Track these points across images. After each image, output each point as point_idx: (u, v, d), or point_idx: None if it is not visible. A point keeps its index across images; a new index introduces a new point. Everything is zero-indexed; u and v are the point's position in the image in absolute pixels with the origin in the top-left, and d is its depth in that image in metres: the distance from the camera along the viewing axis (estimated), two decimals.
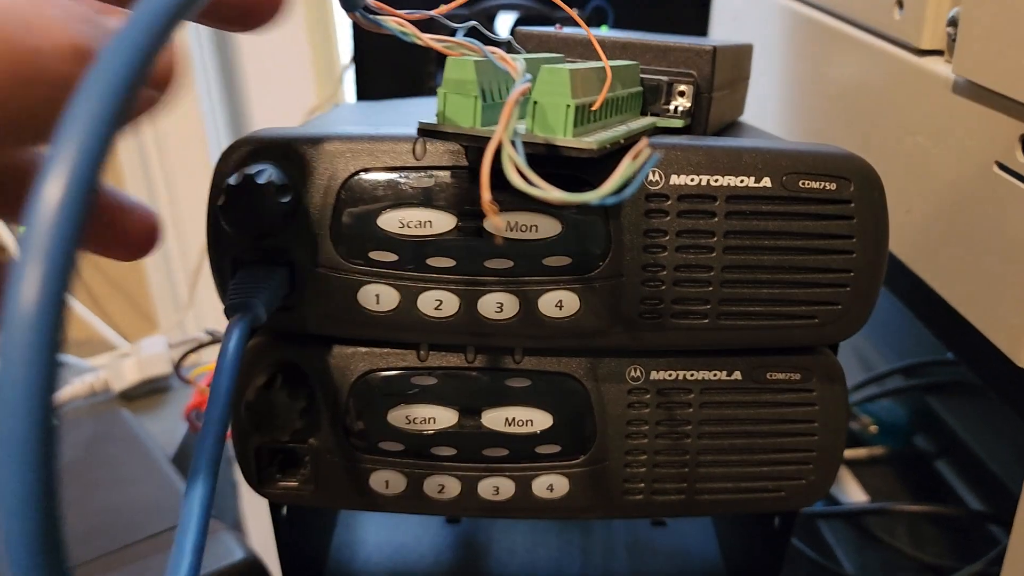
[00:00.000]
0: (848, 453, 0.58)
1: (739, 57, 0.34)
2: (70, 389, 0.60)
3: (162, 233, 0.24)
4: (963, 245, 0.34)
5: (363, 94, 0.55)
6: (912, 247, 0.38)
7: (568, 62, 0.27)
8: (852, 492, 0.56)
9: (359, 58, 0.56)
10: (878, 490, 0.55)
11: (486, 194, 0.17)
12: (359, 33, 0.57)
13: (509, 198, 0.25)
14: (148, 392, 0.62)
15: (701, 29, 0.55)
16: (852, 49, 0.43)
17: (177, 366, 0.61)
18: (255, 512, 0.56)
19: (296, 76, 0.98)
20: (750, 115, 0.37)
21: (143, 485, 0.43)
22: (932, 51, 0.37)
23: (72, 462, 0.45)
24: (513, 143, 0.18)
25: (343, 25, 0.93)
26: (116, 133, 0.12)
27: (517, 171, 0.17)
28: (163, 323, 1.03)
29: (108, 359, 0.65)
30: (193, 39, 0.93)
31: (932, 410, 0.59)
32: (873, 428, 0.59)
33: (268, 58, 0.98)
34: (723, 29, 0.60)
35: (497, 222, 0.18)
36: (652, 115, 0.29)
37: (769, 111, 0.55)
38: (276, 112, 1.02)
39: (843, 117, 0.45)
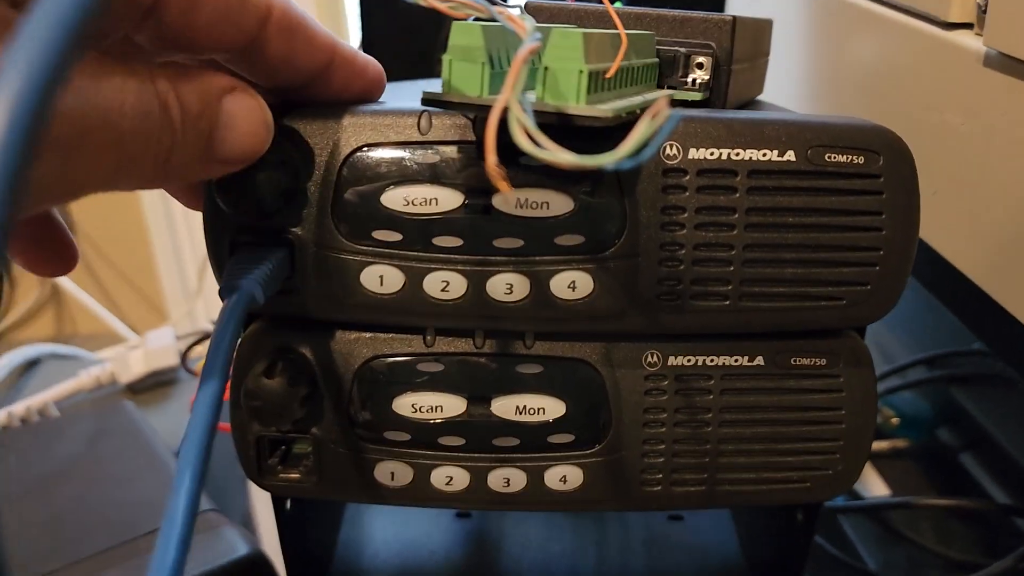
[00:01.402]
0: None
1: (759, 31, 0.33)
2: (76, 382, 0.59)
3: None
4: (995, 226, 0.33)
5: None
6: (940, 229, 0.37)
7: None
8: (874, 486, 0.54)
9: (367, 43, 0.55)
10: (901, 484, 0.54)
11: (491, 157, 0.16)
12: (368, 17, 0.56)
13: (519, 173, 0.24)
14: (155, 384, 0.61)
15: (717, 10, 0.54)
16: (875, 25, 0.42)
17: (184, 357, 0.61)
18: (265, 509, 0.55)
19: None
20: (768, 97, 0.36)
21: (145, 480, 0.42)
22: (960, 24, 0.35)
23: (74, 457, 0.44)
24: (522, 107, 0.17)
25: (352, 9, 0.92)
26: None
27: (525, 133, 0.16)
28: (173, 314, 1.03)
29: (115, 352, 0.64)
30: None
31: (956, 402, 0.57)
32: (895, 420, 0.58)
33: None
34: (740, 9, 0.58)
35: (504, 187, 0.17)
36: (669, 88, 0.28)
37: (788, 92, 0.53)
38: None
39: (865, 97, 0.44)
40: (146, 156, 0.19)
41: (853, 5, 0.44)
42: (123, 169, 0.18)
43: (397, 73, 0.53)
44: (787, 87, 0.54)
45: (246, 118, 0.21)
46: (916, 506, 0.50)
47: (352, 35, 0.99)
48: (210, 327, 0.60)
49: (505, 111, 0.18)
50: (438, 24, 0.22)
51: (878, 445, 0.57)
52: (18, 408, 0.54)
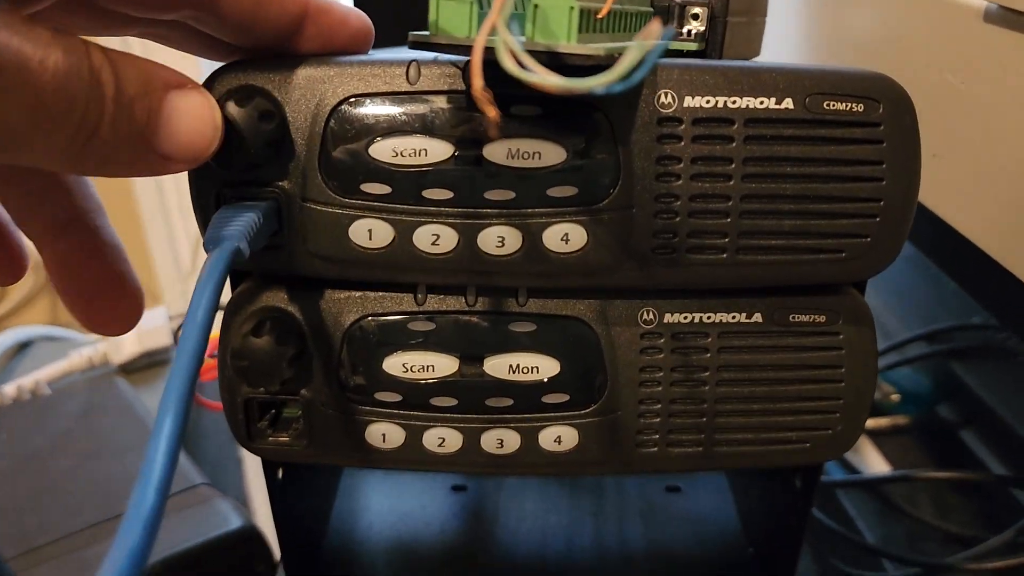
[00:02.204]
0: (869, 423, 0.56)
1: None
2: (68, 362, 0.58)
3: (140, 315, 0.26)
4: (1000, 188, 0.32)
5: None
6: (942, 193, 0.36)
7: None
8: (874, 463, 0.54)
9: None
10: (901, 461, 0.53)
11: (477, 80, 0.15)
12: None
13: (511, 123, 0.24)
14: (148, 365, 0.61)
15: None
16: None
17: (176, 337, 0.60)
18: (261, 488, 0.55)
19: None
20: (765, 59, 0.35)
21: (137, 454, 0.41)
22: None
23: (65, 432, 0.43)
24: (510, 32, 0.16)
25: None
26: None
27: (512, 57, 0.15)
28: (166, 294, 1.02)
29: None
30: None
31: (957, 376, 0.56)
32: (895, 397, 0.57)
33: None
34: None
35: (492, 113, 0.16)
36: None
37: (786, 56, 0.53)
38: None
39: (863, 57, 0.43)
40: (67, 122, 0.18)
41: None
42: (40, 127, 0.18)
43: (392, 40, 0.52)
44: (785, 51, 0.53)
45: (193, 115, 0.20)
46: (915, 479, 0.50)
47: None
48: None
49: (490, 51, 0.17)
50: None
51: (878, 422, 0.56)
52: (9, 388, 0.54)
